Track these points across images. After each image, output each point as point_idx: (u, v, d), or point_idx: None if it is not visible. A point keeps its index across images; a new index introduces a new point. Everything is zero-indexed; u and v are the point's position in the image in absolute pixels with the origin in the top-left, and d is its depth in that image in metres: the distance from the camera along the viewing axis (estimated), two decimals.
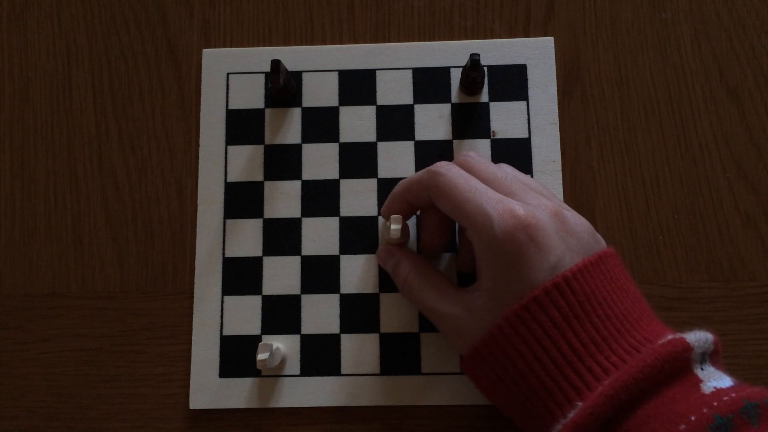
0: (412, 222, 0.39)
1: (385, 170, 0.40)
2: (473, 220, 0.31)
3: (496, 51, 0.42)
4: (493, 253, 0.30)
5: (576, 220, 0.32)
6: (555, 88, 0.41)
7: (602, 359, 0.28)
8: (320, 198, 0.40)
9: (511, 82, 0.41)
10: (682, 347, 0.28)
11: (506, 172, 0.34)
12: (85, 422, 0.39)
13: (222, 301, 0.39)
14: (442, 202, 0.33)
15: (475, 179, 0.32)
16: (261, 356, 0.36)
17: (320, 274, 0.39)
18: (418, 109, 0.41)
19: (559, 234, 0.30)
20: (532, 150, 0.40)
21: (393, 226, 0.35)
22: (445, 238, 0.37)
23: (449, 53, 0.42)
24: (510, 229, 0.30)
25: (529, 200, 0.31)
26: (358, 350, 0.38)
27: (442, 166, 0.33)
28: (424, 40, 0.43)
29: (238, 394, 0.38)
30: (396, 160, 0.40)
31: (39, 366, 0.39)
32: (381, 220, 0.40)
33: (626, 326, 0.29)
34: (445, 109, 0.41)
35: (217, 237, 0.40)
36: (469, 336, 0.32)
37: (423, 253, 0.38)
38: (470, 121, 0.41)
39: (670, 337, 0.29)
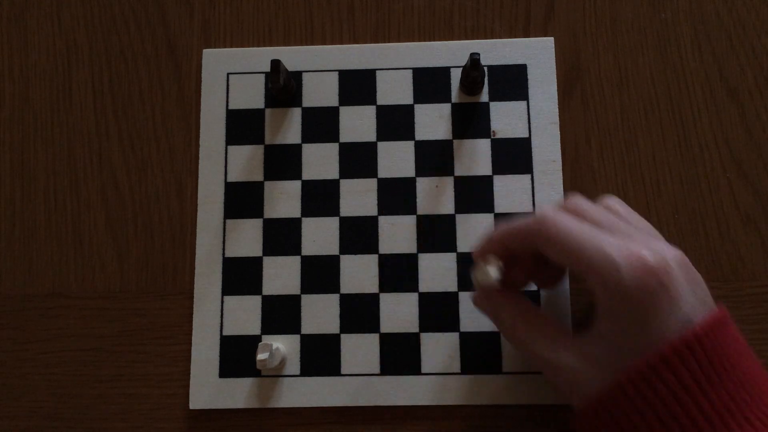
0: None
1: (385, 170, 0.40)
2: (596, 267, 0.29)
3: (496, 51, 0.42)
4: (619, 301, 0.28)
5: (694, 268, 0.30)
6: (555, 88, 0.41)
7: (737, 430, 0.27)
8: (320, 198, 0.40)
9: (511, 82, 0.41)
10: None
11: (618, 211, 0.32)
12: (85, 422, 0.39)
13: (222, 301, 0.39)
14: (554, 250, 0.30)
15: (587, 224, 0.30)
16: (261, 356, 0.36)
17: (320, 274, 0.39)
18: (418, 109, 0.41)
19: (688, 283, 0.29)
20: (532, 150, 0.40)
21: (493, 273, 0.32)
22: (533, 280, 0.36)
23: (449, 53, 0.42)
24: (640, 275, 0.28)
25: (650, 245, 0.29)
26: (358, 350, 0.38)
27: (549, 212, 0.31)
28: (424, 40, 0.43)
29: (238, 394, 0.38)
30: (396, 160, 0.40)
31: (39, 366, 0.39)
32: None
33: (757, 391, 0.28)
34: (445, 108, 0.41)
35: (217, 237, 0.40)
36: (585, 389, 0.29)
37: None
38: (470, 121, 0.41)
39: None
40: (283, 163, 0.41)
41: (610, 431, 0.28)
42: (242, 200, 0.40)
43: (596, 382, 0.29)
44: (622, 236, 0.30)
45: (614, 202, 0.33)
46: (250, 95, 0.42)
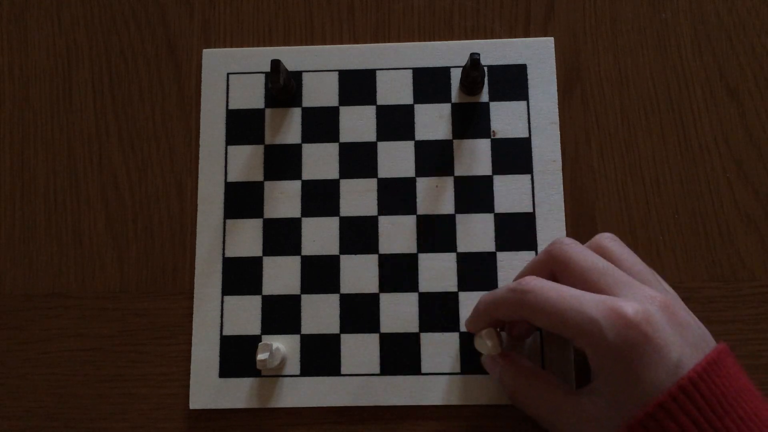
0: None
1: (385, 170, 0.40)
2: (579, 330, 0.29)
3: (496, 51, 0.42)
4: (607, 359, 0.29)
5: (683, 307, 0.31)
6: (555, 88, 0.41)
7: None
8: (320, 198, 0.40)
9: (511, 82, 0.41)
10: None
11: (610, 251, 0.32)
12: (85, 422, 0.39)
13: (222, 301, 0.39)
14: (538, 320, 0.31)
15: (566, 287, 0.31)
16: (261, 356, 0.36)
17: (320, 274, 0.39)
18: (418, 109, 0.41)
19: (674, 328, 0.29)
20: (532, 150, 0.40)
21: (489, 344, 0.34)
22: (533, 331, 0.37)
23: (449, 53, 0.42)
24: (622, 330, 0.28)
25: (634, 292, 0.30)
26: (358, 350, 0.38)
27: (528, 283, 0.31)
28: (424, 40, 0.43)
29: (238, 394, 0.38)
30: (396, 160, 0.41)
31: (39, 366, 0.39)
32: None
33: (759, 427, 0.28)
34: (445, 108, 0.41)
35: (217, 237, 0.40)
36: None
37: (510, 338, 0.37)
38: (470, 121, 0.41)
39: None
40: (283, 163, 0.41)
41: None
42: (242, 200, 0.40)
43: None
44: (607, 285, 0.30)
45: (606, 242, 0.34)
46: (250, 95, 0.42)
